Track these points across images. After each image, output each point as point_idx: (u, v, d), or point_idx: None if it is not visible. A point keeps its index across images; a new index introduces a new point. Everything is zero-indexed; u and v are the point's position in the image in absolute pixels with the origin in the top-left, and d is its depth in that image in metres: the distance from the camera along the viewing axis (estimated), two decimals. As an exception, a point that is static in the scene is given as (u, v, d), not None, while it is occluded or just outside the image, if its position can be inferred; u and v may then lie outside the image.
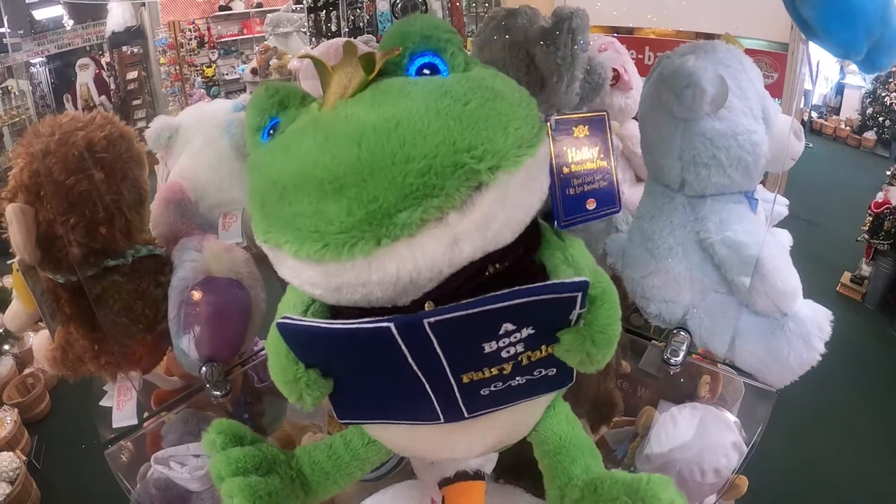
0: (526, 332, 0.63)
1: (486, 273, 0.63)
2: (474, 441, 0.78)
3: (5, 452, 3.18)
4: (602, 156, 0.85)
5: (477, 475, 0.93)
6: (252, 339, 1.30)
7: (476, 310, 0.58)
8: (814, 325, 1.06)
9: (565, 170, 0.78)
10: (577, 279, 0.61)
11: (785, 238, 1.41)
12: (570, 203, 0.78)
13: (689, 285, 1.13)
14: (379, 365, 0.66)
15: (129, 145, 1.19)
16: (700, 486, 1.08)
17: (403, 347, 0.61)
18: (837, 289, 4.81)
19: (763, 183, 1.30)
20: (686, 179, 1.10)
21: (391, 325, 0.58)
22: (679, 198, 1.14)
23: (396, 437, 0.81)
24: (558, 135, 0.77)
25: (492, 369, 0.66)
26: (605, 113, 0.85)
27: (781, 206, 1.48)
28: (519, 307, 0.59)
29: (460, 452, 0.80)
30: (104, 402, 1.35)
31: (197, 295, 1.16)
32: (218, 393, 1.21)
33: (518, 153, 0.57)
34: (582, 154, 0.83)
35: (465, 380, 0.66)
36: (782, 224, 1.50)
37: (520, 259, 0.67)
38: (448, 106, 0.56)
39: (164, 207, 1.34)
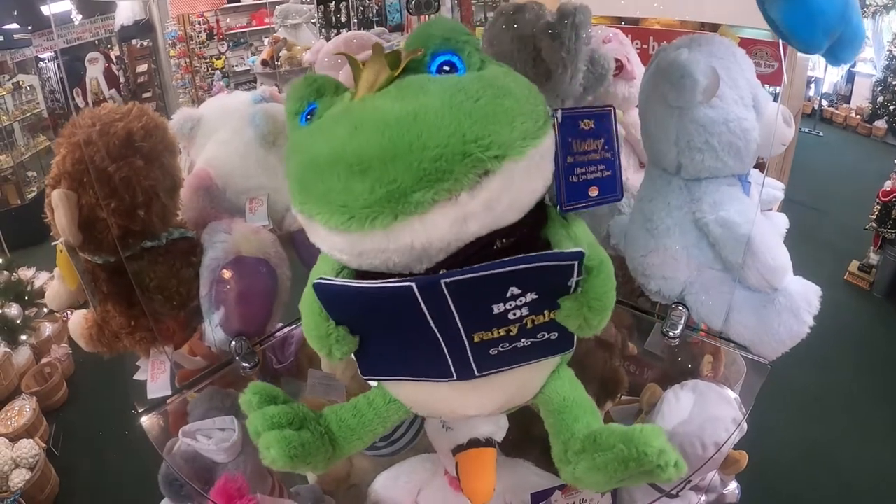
0: (530, 296, 0.72)
1: (494, 247, 0.71)
2: (485, 400, 0.86)
3: (25, 440, 3.26)
4: (606, 147, 0.91)
5: (488, 442, 1.01)
6: (279, 314, 1.37)
7: (484, 273, 0.67)
8: (803, 299, 1.12)
9: (570, 159, 0.85)
10: (573, 249, 0.70)
11: (782, 221, 1.47)
12: (572, 189, 0.85)
13: (685, 263, 1.20)
14: (401, 322, 0.74)
15: (164, 135, 1.27)
16: (701, 461, 1.12)
17: (423, 305, 0.70)
18: (845, 277, 4.81)
19: (760, 168, 1.36)
20: (682, 163, 1.16)
21: (413, 284, 0.67)
22: (676, 181, 1.20)
23: (414, 393, 0.89)
24: (564, 127, 0.84)
25: (500, 330, 0.74)
26: (611, 108, 0.92)
27: (778, 190, 1.54)
28: (523, 272, 0.68)
29: (473, 410, 0.87)
30: (138, 377, 1.43)
31: (228, 273, 1.24)
32: (247, 365, 1.28)
33: (523, 144, 0.65)
34: (586, 145, 0.89)
35: (476, 339, 0.75)
36: (787, 211, 1.55)
37: (526, 235, 0.76)
38: (461, 102, 0.64)
39: (193, 193, 1.42)
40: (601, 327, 0.78)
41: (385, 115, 0.63)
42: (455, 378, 0.80)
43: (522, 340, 0.77)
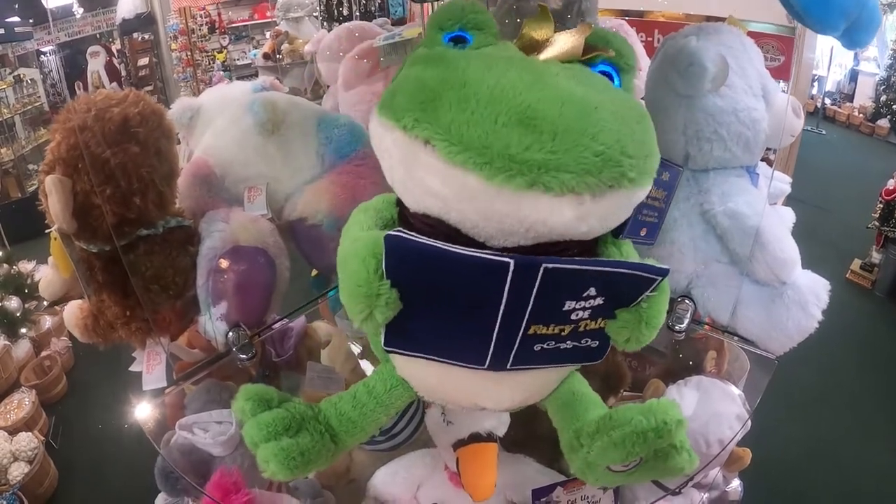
0: (598, 300, 0.71)
1: (568, 253, 0.71)
2: (503, 395, 0.84)
3: (24, 433, 3.25)
4: (665, 200, 0.98)
5: (490, 437, 0.99)
6: (277, 305, 1.35)
7: (582, 267, 0.67)
8: (811, 293, 1.11)
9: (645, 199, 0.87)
10: (661, 266, 0.70)
11: (788, 215, 1.45)
12: (633, 224, 0.86)
13: (692, 255, 1.18)
14: (468, 297, 0.70)
15: (161, 120, 1.25)
16: (705, 458, 1.12)
17: (507, 285, 0.66)
18: (847, 276, 4.82)
19: (768, 163, 1.34)
20: (690, 154, 1.14)
21: (511, 261, 0.64)
22: (684, 172, 1.18)
23: (432, 376, 0.85)
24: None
25: (556, 327, 0.73)
26: (682, 168, 0.97)
27: (784, 183, 1.53)
28: (610, 276, 0.69)
29: (489, 402, 0.84)
30: (133, 368, 1.41)
31: (225, 263, 1.21)
32: (244, 356, 1.26)
33: (649, 177, 0.68)
34: (655, 192, 0.95)
35: (531, 331, 0.72)
36: (790, 208, 1.54)
37: (588, 250, 0.77)
38: (630, 117, 0.67)
39: (190, 182, 1.39)
40: (645, 344, 0.77)
41: (569, 90, 0.64)
42: (485, 367, 0.77)
43: (567, 342, 0.76)
